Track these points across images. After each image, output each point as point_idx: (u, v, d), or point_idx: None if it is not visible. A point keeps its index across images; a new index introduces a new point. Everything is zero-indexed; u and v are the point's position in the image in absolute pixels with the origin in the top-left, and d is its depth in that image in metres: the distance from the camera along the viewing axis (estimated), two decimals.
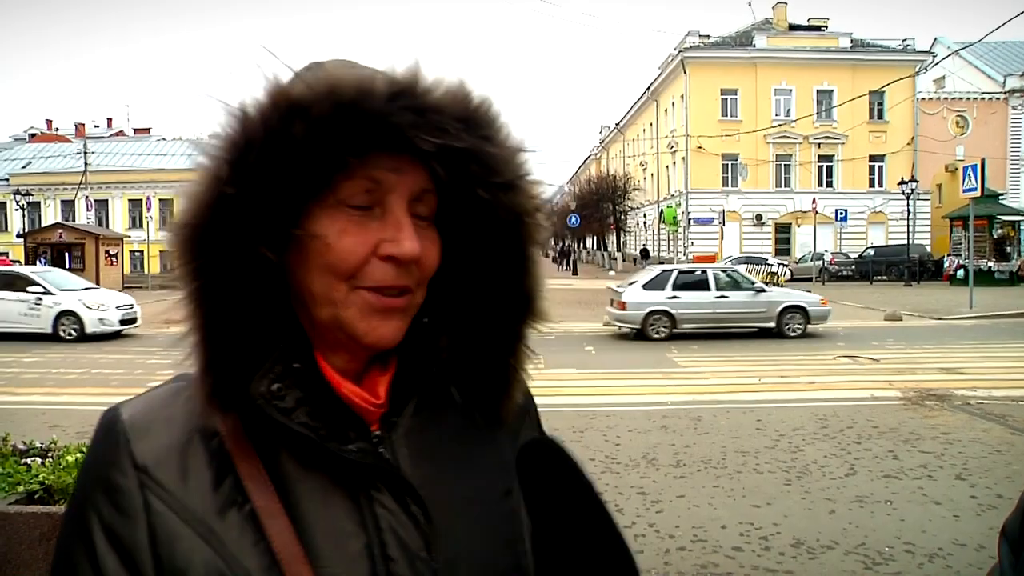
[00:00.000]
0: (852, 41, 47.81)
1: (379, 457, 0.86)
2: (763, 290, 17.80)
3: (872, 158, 46.47)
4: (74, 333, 17.68)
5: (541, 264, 0.95)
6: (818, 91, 46.54)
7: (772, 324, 17.32)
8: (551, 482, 0.83)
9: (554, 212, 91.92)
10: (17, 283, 18.30)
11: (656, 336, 16.96)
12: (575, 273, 47.68)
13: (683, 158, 47.92)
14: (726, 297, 17.32)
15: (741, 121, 46.17)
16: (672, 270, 18.47)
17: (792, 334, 17.19)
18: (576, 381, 12.40)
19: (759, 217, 46.66)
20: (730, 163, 46.69)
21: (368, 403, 0.87)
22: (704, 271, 18.22)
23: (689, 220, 47.14)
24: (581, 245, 75.27)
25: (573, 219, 51.21)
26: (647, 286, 17.48)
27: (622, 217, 56.90)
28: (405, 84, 0.79)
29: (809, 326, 17.43)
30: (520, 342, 0.95)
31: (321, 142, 0.77)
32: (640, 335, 17.18)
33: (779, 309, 17.35)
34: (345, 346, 0.86)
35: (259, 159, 0.77)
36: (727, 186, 46.86)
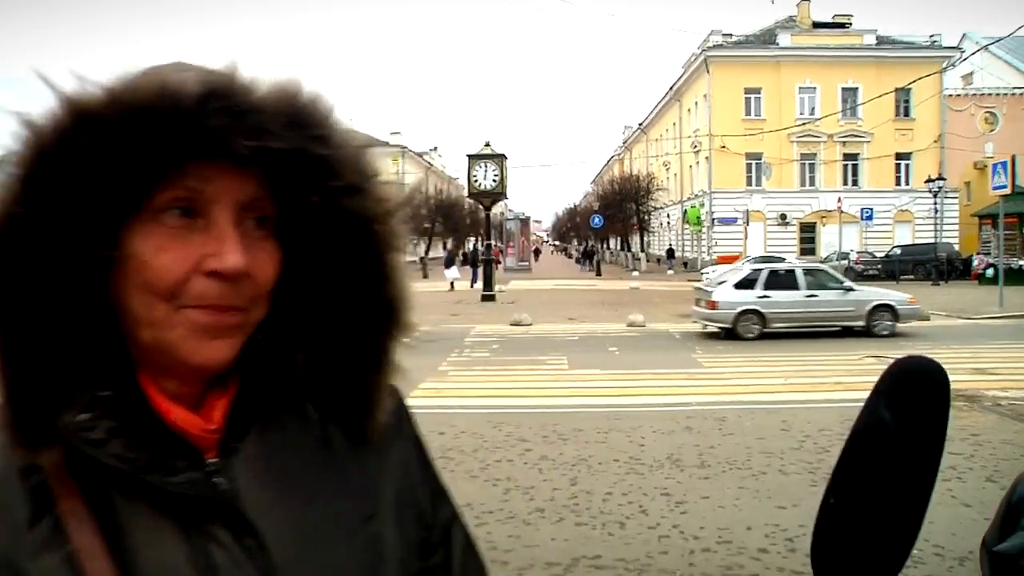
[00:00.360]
0: (877, 38, 47.48)
1: (211, 488, 0.79)
2: (852, 289, 17.81)
3: (898, 156, 46.12)
4: None
5: (404, 271, 0.89)
6: (843, 89, 46.27)
7: (861, 323, 17.30)
8: None
9: (577, 213, 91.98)
10: None
11: (747, 336, 17.03)
12: (599, 274, 47.62)
13: (706, 157, 47.79)
14: (815, 296, 17.36)
15: (765, 120, 45.96)
16: (762, 269, 18.55)
17: (882, 333, 17.09)
18: (600, 382, 12.36)
19: (783, 216, 46.41)
20: (754, 162, 46.51)
21: (201, 429, 0.81)
22: (792, 270, 18.31)
23: (713, 220, 46.96)
24: (604, 246, 75.14)
25: (596, 220, 51.19)
26: (738, 285, 17.60)
27: (645, 217, 56.71)
28: (219, 84, 0.74)
29: (898, 325, 17.31)
30: (384, 356, 0.89)
31: (118, 151, 0.71)
32: (730, 335, 17.21)
33: (868, 308, 17.32)
34: (173, 370, 0.79)
35: (48, 173, 0.71)
36: (751, 185, 46.67)
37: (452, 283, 35.42)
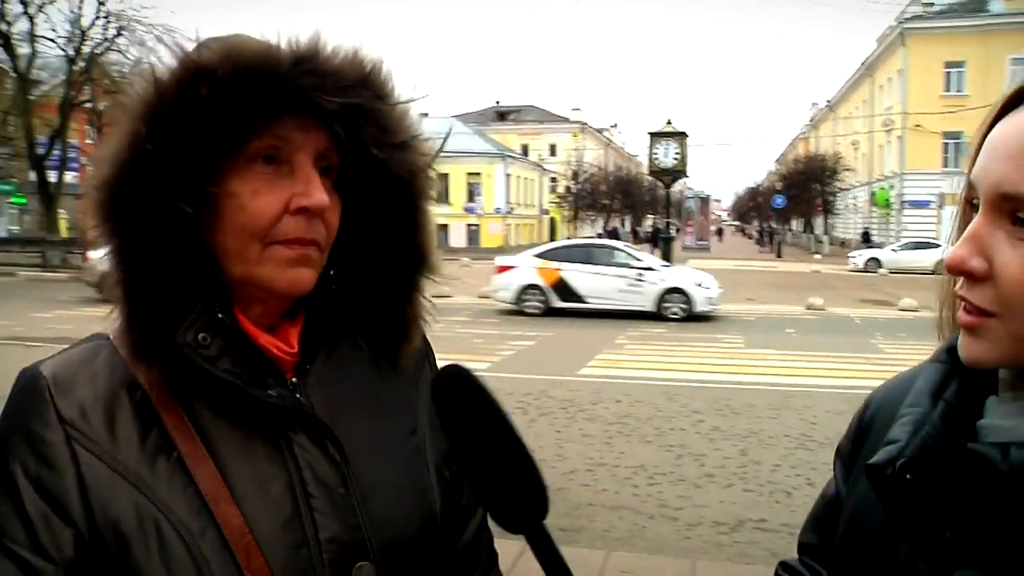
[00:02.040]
0: None
1: (296, 401, 0.91)
2: None
3: None
4: (680, 312, 16.92)
5: (432, 221, 1.00)
6: None
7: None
8: (462, 405, 0.83)
9: (759, 193, 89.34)
10: (615, 256, 18.11)
11: None
12: (779, 255, 46.41)
13: (899, 136, 45.43)
14: None
15: (967, 96, 42.98)
16: None
17: None
18: (774, 361, 12.42)
19: None
20: (952, 142, 43.73)
21: (283, 352, 0.91)
22: None
23: (903, 203, 44.68)
24: (786, 227, 72.87)
25: (778, 200, 49.84)
26: None
27: (830, 199, 54.58)
28: (307, 51, 0.85)
29: None
30: (416, 292, 1.00)
31: (227, 102, 0.81)
32: None
33: None
34: (259, 300, 0.90)
35: (171, 117, 0.81)
36: (948, 167, 43.94)
37: None
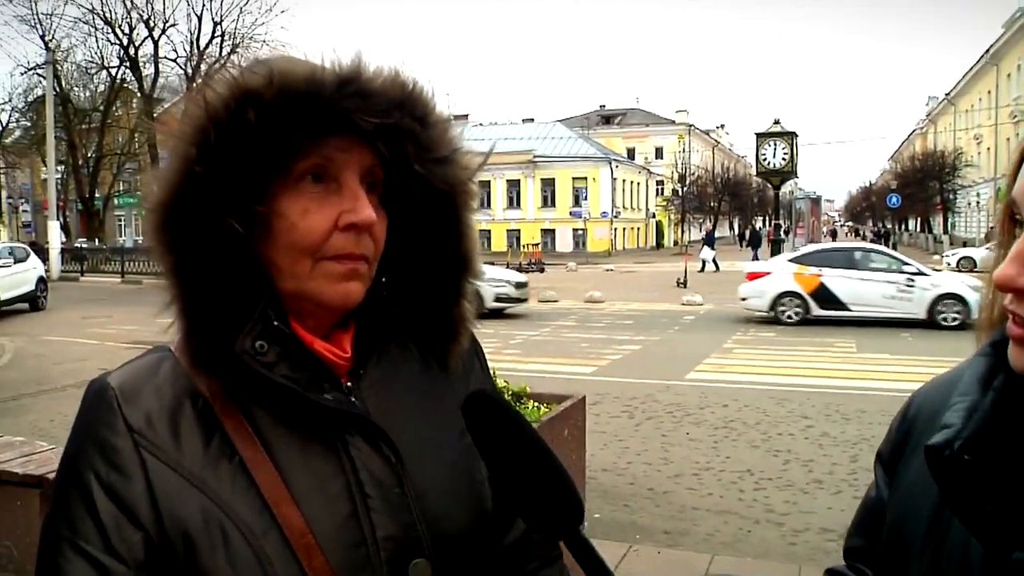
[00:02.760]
0: None
1: (351, 404, 0.94)
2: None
3: None
4: (956, 319, 15.77)
5: (475, 230, 1.04)
6: None
7: None
8: (490, 425, 0.88)
9: (873, 192, 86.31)
10: (879, 261, 17.24)
11: None
12: None
13: None
14: None
15: None
16: None
17: None
18: (889, 366, 12.08)
19: None
20: None
21: (338, 357, 0.95)
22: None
23: None
24: (903, 227, 70.25)
25: (893, 199, 48.12)
26: None
27: (950, 197, 52.32)
28: (350, 73, 0.88)
29: None
30: (462, 295, 1.04)
31: (274, 126, 0.84)
32: None
33: None
34: (311, 312, 0.94)
35: (220, 141, 0.84)
36: None
37: (704, 263, 33.80)
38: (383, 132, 0.89)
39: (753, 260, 30.71)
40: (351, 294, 0.92)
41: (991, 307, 0.92)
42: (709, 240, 36.75)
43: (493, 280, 17.81)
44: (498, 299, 17.71)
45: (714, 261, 33.92)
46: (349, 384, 0.97)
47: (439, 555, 0.94)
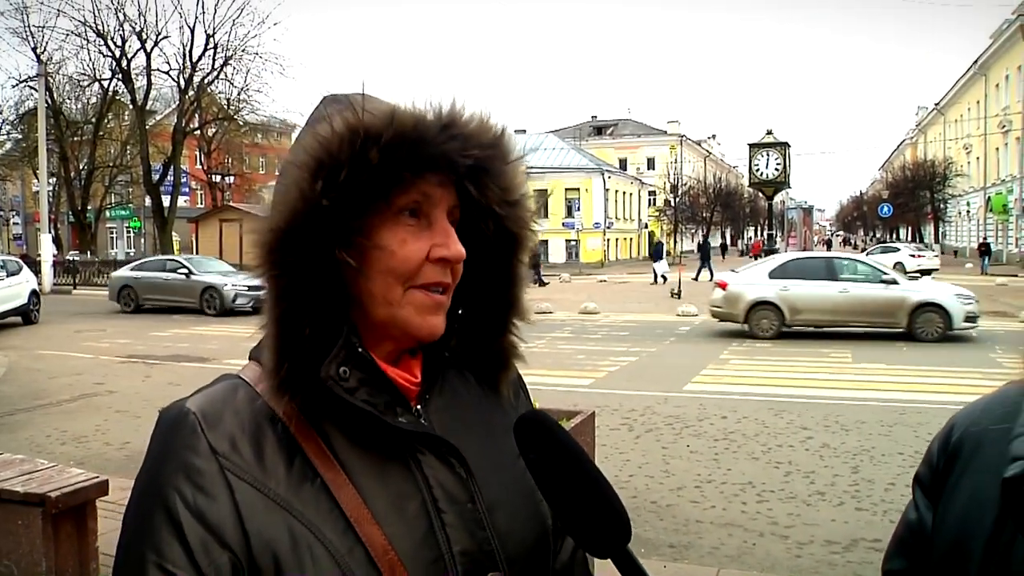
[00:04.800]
0: None
1: (423, 426, 0.98)
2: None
3: None
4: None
5: (525, 275, 1.10)
6: None
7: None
8: (541, 446, 0.92)
9: (864, 201, 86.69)
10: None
11: None
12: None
13: (1017, 138, 43.42)
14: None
15: None
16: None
17: None
18: (886, 376, 12.09)
19: None
20: None
21: (410, 383, 0.99)
22: None
23: None
24: (894, 236, 70.54)
25: (884, 209, 48.37)
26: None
27: (941, 206, 52.59)
28: (451, 117, 0.94)
29: None
30: (510, 328, 1.09)
31: (389, 164, 0.90)
32: None
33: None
34: (393, 339, 0.98)
35: (347, 178, 0.89)
36: None
37: (659, 276, 33.59)
38: (474, 173, 0.95)
39: (698, 273, 30.05)
40: (436, 327, 0.97)
41: None
42: (658, 253, 35.94)
43: None
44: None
45: (663, 276, 33.31)
46: (418, 408, 1.00)
47: (512, 570, 0.98)
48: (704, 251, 37.00)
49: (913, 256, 39.33)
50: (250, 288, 20.60)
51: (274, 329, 0.92)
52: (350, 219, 0.90)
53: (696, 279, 32.69)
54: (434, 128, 0.92)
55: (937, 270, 36.66)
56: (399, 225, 0.94)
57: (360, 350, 0.93)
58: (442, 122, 0.93)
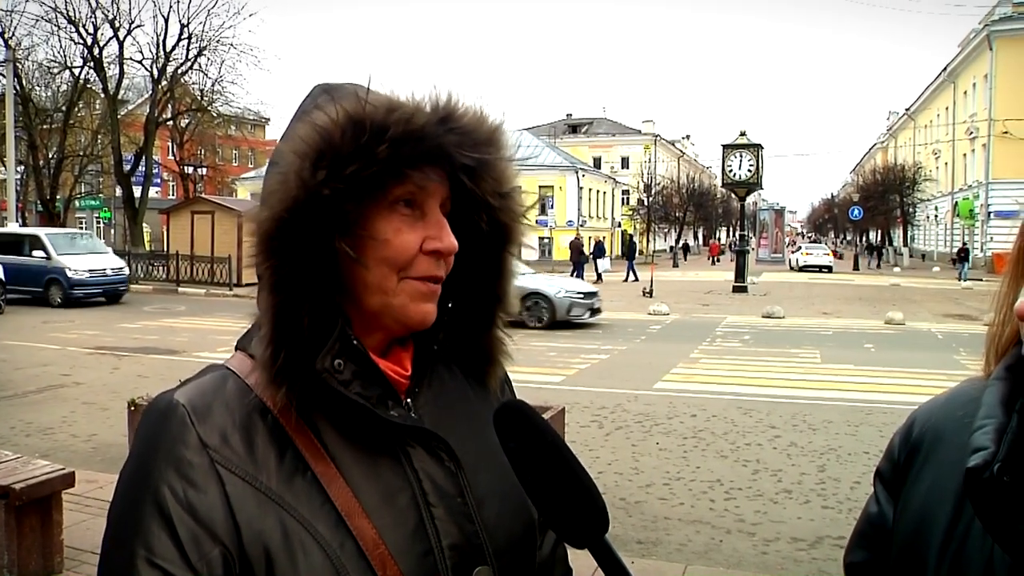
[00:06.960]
0: None
1: (414, 419, 0.98)
2: None
3: None
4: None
5: (514, 270, 1.10)
6: None
7: None
8: (520, 435, 0.91)
9: (835, 204, 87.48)
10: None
11: None
12: (856, 268, 45.46)
13: (984, 145, 44.03)
14: None
15: None
16: None
17: None
18: (853, 377, 12.24)
19: None
20: None
21: (400, 376, 0.99)
22: None
23: (989, 214, 43.30)
24: (864, 239, 71.30)
25: (855, 211, 48.85)
26: None
27: (910, 210, 53.21)
28: (448, 110, 0.95)
29: None
30: (496, 321, 1.09)
31: (391, 156, 0.90)
32: None
33: None
34: (384, 328, 0.98)
35: (352, 169, 0.89)
36: None
37: (600, 275, 33.85)
38: (471, 166, 0.95)
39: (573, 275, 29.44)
40: (429, 314, 0.97)
41: (999, 334, 0.96)
42: (598, 251, 36.12)
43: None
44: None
45: (599, 275, 33.63)
46: (408, 401, 1.00)
47: (500, 563, 0.98)
48: (599, 252, 36.54)
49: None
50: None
51: (270, 319, 0.90)
52: (349, 209, 0.90)
53: (626, 280, 33.31)
54: (433, 121, 0.92)
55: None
56: (395, 214, 0.94)
57: (355, 342, 0.93)
58: (439, 115, 0.93)
